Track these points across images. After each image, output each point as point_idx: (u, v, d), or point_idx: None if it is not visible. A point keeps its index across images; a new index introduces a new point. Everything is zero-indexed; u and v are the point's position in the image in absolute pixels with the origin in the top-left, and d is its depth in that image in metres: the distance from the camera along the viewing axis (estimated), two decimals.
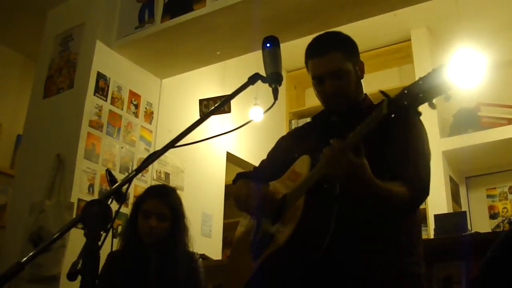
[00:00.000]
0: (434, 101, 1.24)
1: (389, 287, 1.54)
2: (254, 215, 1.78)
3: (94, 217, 1.13)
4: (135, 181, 3.51)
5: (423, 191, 1.59)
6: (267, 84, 1.51)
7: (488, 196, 4.96)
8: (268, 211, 1.67)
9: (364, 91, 1.82)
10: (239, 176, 1.98)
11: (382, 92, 1.32)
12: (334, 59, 1.70)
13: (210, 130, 4.00)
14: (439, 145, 4.57)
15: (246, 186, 1.84)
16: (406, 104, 1.27)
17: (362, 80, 1.80)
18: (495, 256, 1.63)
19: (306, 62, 1.79)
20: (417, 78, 1.28)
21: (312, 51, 1.77)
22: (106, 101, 3.56)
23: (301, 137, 1.90)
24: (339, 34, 1.81)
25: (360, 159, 1.37)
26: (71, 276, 1.08)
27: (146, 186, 3.41)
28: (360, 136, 1.36)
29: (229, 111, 3.32)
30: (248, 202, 1.77)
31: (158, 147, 3.32)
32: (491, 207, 4.91)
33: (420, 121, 1.71)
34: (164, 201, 2.33)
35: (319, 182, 1.49)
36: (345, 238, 1.49)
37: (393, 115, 1.30)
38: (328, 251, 1.45)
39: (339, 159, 1.36)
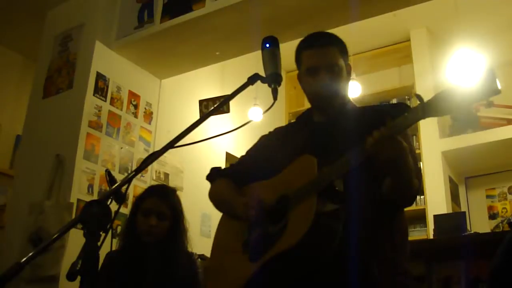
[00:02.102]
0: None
1: (387, 283, 1.55)
2: (243, 218, 1.73)
3: (94, 217, 1.13)
4: (134, 182, 3.51)
5: (418, 191, 1.62)
6: (266, 85, 1.51)
7: (488, 196, 4.96)
8: (262, 212, 1.65)
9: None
10: (216, 174, 1.94)
11: (417, 95, 1.35)
12: (332, 53, 1.73)
13: (209, 131, 4.00)
14: (438, 145, 4.57)
15: (229, 188, 1.84)
16: (439, 110, 1.32)
17: (349, 82, 1.82)
18: (501, 261, 1.63)
19: (299, 54, 1.80)
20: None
21: (309, 43, 1.78)
22: (105, 101, 3.56)
23: (285, 137, 1.87)
24: (333, 33, 1.83)
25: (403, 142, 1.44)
26: (70, 277, 1.08)
27: (145, 186, 3.40)
28: (398, 128, 1.41)
29: (228, 111, 3.32)
30: (235, 206, 1.76)
31: (158, 147, 3.32)
32: (490, 208, 4.91)
33: None
34: (164, 200, 2.33)
35: (331, 183, 1.50)
36: (349, 236, 1.50)
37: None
38: (336, 250, 1.46)
39: (391, 141, 1.41)
